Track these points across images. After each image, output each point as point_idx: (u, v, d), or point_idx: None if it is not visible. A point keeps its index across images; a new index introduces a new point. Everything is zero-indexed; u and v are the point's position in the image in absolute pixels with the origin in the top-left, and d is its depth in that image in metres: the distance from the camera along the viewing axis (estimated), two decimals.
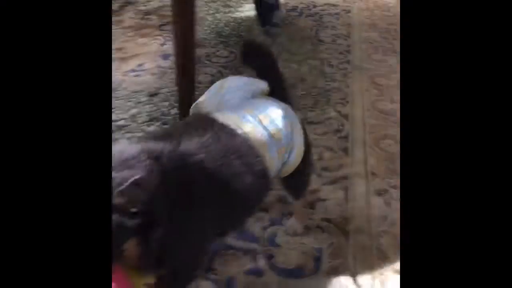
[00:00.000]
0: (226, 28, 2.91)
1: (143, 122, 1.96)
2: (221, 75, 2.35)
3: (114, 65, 2.40)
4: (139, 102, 2.11)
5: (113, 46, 2.57)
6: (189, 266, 1.04)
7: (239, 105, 1.19)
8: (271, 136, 1.13)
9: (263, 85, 1.26)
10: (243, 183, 1.04)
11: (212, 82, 2.27)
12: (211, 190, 0.98)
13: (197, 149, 0.98)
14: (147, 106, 2.10)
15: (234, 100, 1.20)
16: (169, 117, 2.02)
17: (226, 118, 1.11)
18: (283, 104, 1.24)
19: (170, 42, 2.61)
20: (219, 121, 1.09)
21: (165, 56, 2.55)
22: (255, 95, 1.24)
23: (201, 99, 1.25)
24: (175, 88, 2.16)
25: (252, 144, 1.08)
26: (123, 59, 2.49)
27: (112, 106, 2.03)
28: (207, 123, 1.09)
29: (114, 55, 2.51)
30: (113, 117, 1.97)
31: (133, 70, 2.40)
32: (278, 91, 1.28)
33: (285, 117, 1.19)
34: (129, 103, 2.08)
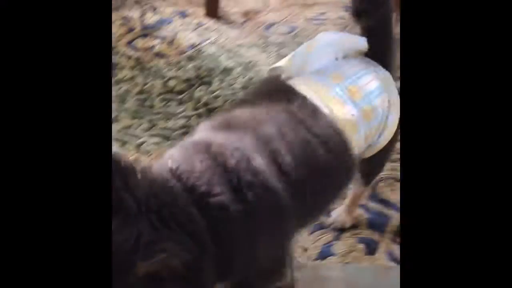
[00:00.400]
0: None
1: None
2: None
3: (296, 10, 2.39)
4: None
5: None
6: (266, 271, 0.89)
7: (327, 69, 0.95)
8: (362, 116, 0.92)
9: (360, 43, 1.00)
10: (326, 174, 0.88)
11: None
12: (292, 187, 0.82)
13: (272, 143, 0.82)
14: None
15: (321, 61, 0.96)
16: None
17: (309, 87, 0.90)
18: (382, 71, 0.98)
19: None
20: (299, 94, 0.89)
21: (347, 8, 2.40)
22: (348, 55, 0.99)
23: (281, 63, 1.02)
24: None
25: (340, 129, 0.88)
26: (305, 5, 2.45)
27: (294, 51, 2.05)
28: (285, 96, 0.89)
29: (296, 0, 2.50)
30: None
31: (316, 18, 2.35)
32: (380, 53, 1.00)
33: (382, 90, 0.95)
34: None
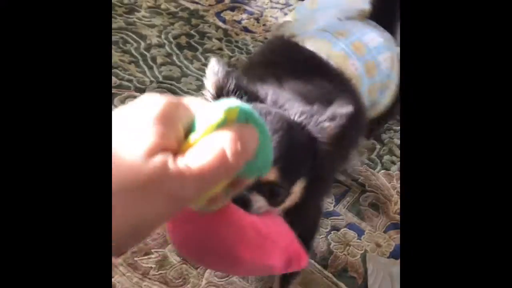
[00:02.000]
0: None
1: None
2: None
3: None
4: None
5: None
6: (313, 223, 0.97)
7: (331, 26, 0.99)
8: (365, 71, 0.95)
9: (363, 4, 1.02)
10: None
11: None
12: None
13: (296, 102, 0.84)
14: None
15: (325, 19, 1.01)
16: None
17: (314, 43, 0.95)
18: (386, 33, 1.00)
19: None
20: (307, 51, 0.94)
21: None
22: (349, 17, 1.02)
23: (288, 17, 1.06)
24: None
25: (348, 79, 0.93)
26: None
27: None
28: (296, 54, 0.94)
29: None
30: None
31: None
32: (382, 16, 1.02)
33: (386, 48, 0.98)
34: None
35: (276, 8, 2.20)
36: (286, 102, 0.78)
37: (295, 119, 0.75)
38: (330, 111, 0.74)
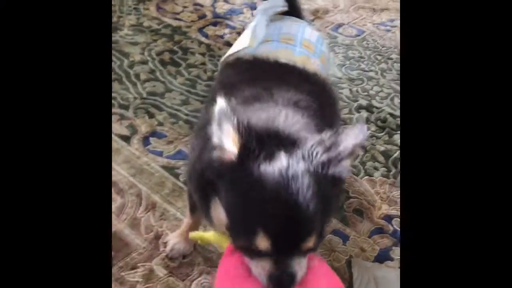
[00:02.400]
0: None
1: (393, 80, 1.93)
2: None
3: (364, 14, 2.39)
4: (389, 58, 2.07)
5: None
6: None
7: (271, 35, 1.09)
8: (320, 62, 1.08)
9: (280, 4, 1.15)
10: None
11: None
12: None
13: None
14: (397, 64, 2.04)
15: (263, 30, 1.10)
16: None
17: (276, 54, 1.03)
18: (307, 22, 1.16)
19: None
20: (278, 62, 1.02)
21: None
22: (271, 17, 1.14)
23: (246, 43, 1.10)
24: None
25: (321, 77, 1.03)
26: (374, 10, 2.45)
27: (362, 55, 2.06)
28: (270, 66, 1.02)
29: (365, 4, 2.50)
30: (363, 66, 1.99)
31: (384, 24, 2.34)
32: (293, 9, 1.18)
33: (320, 37, 1.12)
34: (379, 57, 2.07)
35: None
36: (298, 141, 0.76)
37: (314, 157, 0.73)
38: (348, 142, 0.73)
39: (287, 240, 0.71)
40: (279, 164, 0.71)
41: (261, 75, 0.99)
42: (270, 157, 0.71)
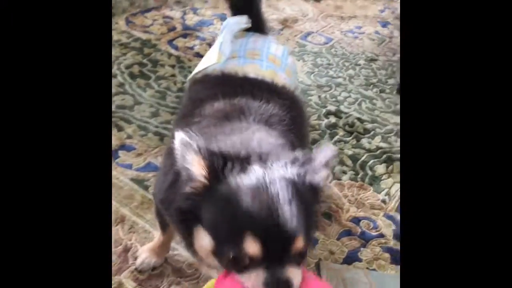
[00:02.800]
0: None
1: (360, 85, 1.97)
2: None
3: (332, 22, 2.45)
4: (357, 65, 2.11)
5: (332, 2, 2.63)
6: None
7: (237, 51, 1.11)
8: (287, 75, 1.10)
9: (244, 21, 1.17)
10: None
11: None
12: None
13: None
14: (364, 70, 2.09)
15: (228, 47, 1.12)
16: (386, 86, 1.98)
17: (244, 69, 1.05)
18: (272, 38, 1.19)
19: (389, 10, 2.59)
20: (246, 77, 1.04)
21: (384, 24, 2.47)
22: (236, 34, 1.16)
23: (213, 60, 1.12)
24: (394, 58, 2.14)
25: (289, 89, 1.06)
26: (342, 18, 2.51)
27: (330, 62, 2.10)
28: (239, 82, 1.03)
29: (334, 12, 2.56)
30: (331, 73, 2.03)
31: (352, 31, 2.39)
32: (256, 24, 1.20)
33: (285, 51, 1.14)
34: (346, 63, 2.11)
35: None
36: (271, 157, 0.77)
37: (291, 172, 0.75)
38: (320, 157, 0.76)
39: (276, 239, 0.70)
40: (255, 174, 0.72)
41: (231, 91, 0.99)
42: (244, 170, 0.73)
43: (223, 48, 1.11)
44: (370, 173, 1.53)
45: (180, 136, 0.72)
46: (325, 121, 1.74)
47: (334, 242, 1.30)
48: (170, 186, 0.83)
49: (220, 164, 0.72)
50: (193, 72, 1.13)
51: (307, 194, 0.74)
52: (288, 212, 0.70)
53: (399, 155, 1.62)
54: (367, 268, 1.23)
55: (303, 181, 0.74)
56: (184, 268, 1.19)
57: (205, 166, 0.72)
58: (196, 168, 0.73)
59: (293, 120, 0.97)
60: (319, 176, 0.76)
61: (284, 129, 0.92)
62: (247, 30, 1.21)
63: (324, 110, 1.80)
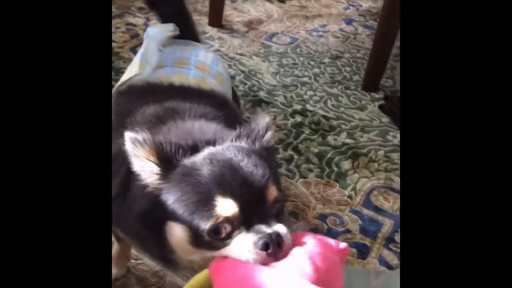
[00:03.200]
0: None
1: (325, 83, 1.98)
2: None
3: (297, 22, 2.45)
4: (322, 63, 2.12)
5: (297, 3, 2.64)
6: None
7: (164, 60, 1.09)
8: (218, 83, 1.09)
9: (171, 29, 1.16)
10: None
11: (399, 55, 2.21)
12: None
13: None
14: (329, 68, 2.10)
15: (155, 56, 1.09)
16: (351, 83, 1.99)
17: (171, 78, 1.02)
18: (202, 45, 1.20)
19: (353, 7, 2.60)
20: (173, 84, 1.01)
21: (348, 21, 2.49)
22: (164, 43, 1.14)
23: (135, 70, 1.08)
24: (358, 55, 2.15)
25: (218, 93, 1.05)
26: (306, 18, 2.52)
27: (295, 62, 2.10)
28: (167, 90, 1.00)
29: (298, 12, 2.56)
30: (297, 72, 2.03)
31: (316, 30, 2.40)
32: (186, 31, 1.19)
33: (215, 58, 1.15)
34: (312, 62, 2.11)
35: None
36: (217, 140, 0.78)
37: (238, 143, 0.76)
38: (261, 124, 0.79)
39: (247, 193, 0.69)
40: (207, 150, 0.73)
41: (158, 98, 0.97)
42: (195, 152, 0.73)
43: (146, 57, 1.09)
44: (336, 169, 1.53)
45: (128, 136, 0.72)
46: (291, 121, 1.74)
47: None
48: (118, 198, 0.79)
49: (171, 150, 0.72)
50: (117, 84, 1.09)
51: (262, 153, 0.75)
52: (250, 164, 0.70)
53: (364, 150, 1.62)
54: None
55: (254, 146, 0.76)
56: (148, 277, 1.16)
57: (156, 155, 0.71)
58: (148, 161, 0.72)
59: (227, 117, 0.95)
60: (267, 137, 0.78)
61: (221, 122, 0.90)
62: (177, 37, 1.18)
63: (290, 110, 1.80)
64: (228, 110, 1.00)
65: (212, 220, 0.67)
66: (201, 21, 2.33)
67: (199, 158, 0.72)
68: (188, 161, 0.72)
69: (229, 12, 2.44)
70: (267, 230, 0.68)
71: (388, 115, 1.80)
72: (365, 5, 2.69)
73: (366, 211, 1.40)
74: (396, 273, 1.20)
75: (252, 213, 0.68)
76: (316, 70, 2.07)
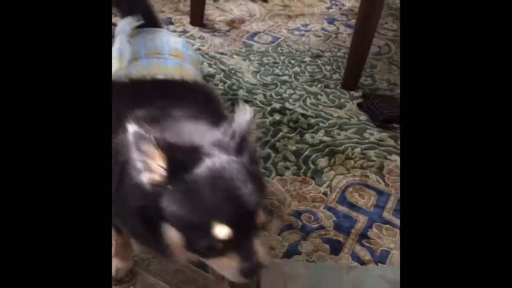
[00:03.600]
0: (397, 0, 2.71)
1: (305, 82, 1.99)
2: (389, 48, 2.29)
3: (279, 21, 2.47)
4: (302, 62, 2.13)
5: (280, 2, 2.65)
6: None
7: (137, 52, 1.12)
8: (194, 67, 1.14)
9: (133, 22, 1.20)
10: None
11: (378, 54, 2.23)
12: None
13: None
14: (309, 67, 2.11)
15: (127, 49, 1.12)
16: (331, 81, 2.01)
17: (150, 71, 1.04)
18: (167, 30, 1.24)
19: (336, 7, 2.63)
20: (154, 79, 1.03)
21: (330, 20, 2.51)
22: (130, 34, 1.18)
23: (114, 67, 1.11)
24: (339, 53, 2.17)
25: (200, 83, 1.09)
26: (289, 17, 2.53)
27: (276, 61, 2.11)
28: (148, 85, 1.02)
29: (281, 11, 2.58)
30: (277, 71, 2.04)
31: (298, 29, 2.41)
32: (150, 20, 1.23)
33: (184, 42, 1.19)
34: (292, 61, 2.13)
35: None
36: (214, 145, 0.79)
37: (228, 150, 0.79)
38: (240, 122, 0.80)
39: (242, 220, 0.75)
40: (208, 164, 0.76)
41: (146, 97, 0.98)
42: (196, 162, 0.75)
43: (122, 51, 1.11)
44: (312, 167, 1.55)
45: (133, 129, 0.73)
46: (269, 119, 1.75)
47: (274, 238, 1.30)
48: (118, 189, 0.82)
49: (179, 157, 0.75)
50: None
51: (251, 167, 0.79)
52: (247, 190, 0.75)
53: (341, 148, 1.64)
54: (306, 260, 1.24)
55: (242, 157, 0.79)
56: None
57: (164, 159, 0.74)
58: (154, 160, 0.74)
59: (214, 112, 0.98)
60: (251, 144, 0.81)
61: (209, 122, 0.92)
62: (140, 26, 1.22)
63: (269, 108, 1.81)
64: (213, 103, 1.04)
65: (207, 239, 0.75)
66: (183, 20, 2.33)
67: (200, 175, 0.75)
68: (189, 176, 0.75)
69: (211, 11, 2.44)
70: (253, 257, 0.77)
71: (366, 112, 1.82)
72: (348, 4, 2.71)
73: (341, 208, 1.41)
74: (368, 269, 1.22)
75: (243, 236, 0.76)
76: (297, 69, 2.08)
